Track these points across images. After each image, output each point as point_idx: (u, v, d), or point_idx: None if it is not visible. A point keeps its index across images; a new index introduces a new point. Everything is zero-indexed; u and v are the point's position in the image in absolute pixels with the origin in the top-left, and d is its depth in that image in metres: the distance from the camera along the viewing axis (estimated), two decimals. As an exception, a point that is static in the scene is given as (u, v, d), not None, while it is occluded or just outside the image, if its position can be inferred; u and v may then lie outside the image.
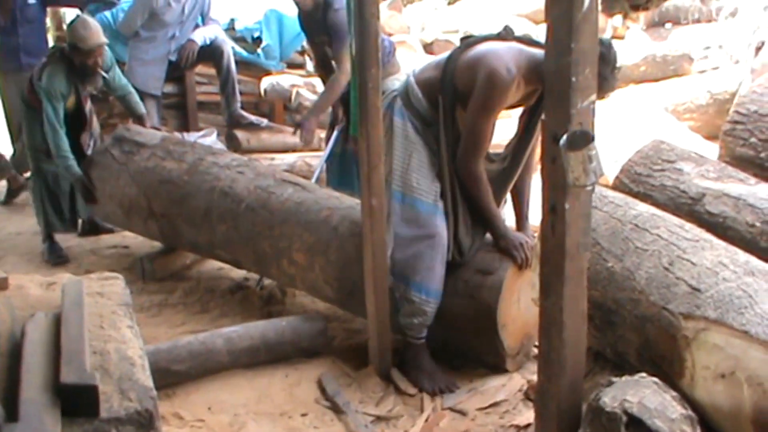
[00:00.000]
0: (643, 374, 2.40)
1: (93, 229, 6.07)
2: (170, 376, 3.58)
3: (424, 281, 3.53)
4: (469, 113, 3.44)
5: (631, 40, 9.30)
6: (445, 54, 3.67)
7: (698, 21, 7.52)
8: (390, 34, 6.77)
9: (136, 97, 5.80)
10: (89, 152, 5.55)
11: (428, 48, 10.08)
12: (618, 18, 8.91)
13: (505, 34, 3.58)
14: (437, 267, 3.54)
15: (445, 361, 3.72)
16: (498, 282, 3.58)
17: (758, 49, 7.07)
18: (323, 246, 4.04)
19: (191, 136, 5.95)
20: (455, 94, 3.48)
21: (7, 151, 7.07)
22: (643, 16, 7.13)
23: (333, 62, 5.25)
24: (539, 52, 3.35)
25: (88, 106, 5.68)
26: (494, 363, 3.73)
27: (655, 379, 2.37)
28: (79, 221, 5.98)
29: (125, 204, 5.05)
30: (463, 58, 3.49)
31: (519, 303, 3.67)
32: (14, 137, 7.13)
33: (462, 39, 3.70)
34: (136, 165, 5.02)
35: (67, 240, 5.86)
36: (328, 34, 5.17)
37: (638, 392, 2.26)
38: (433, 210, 3.53)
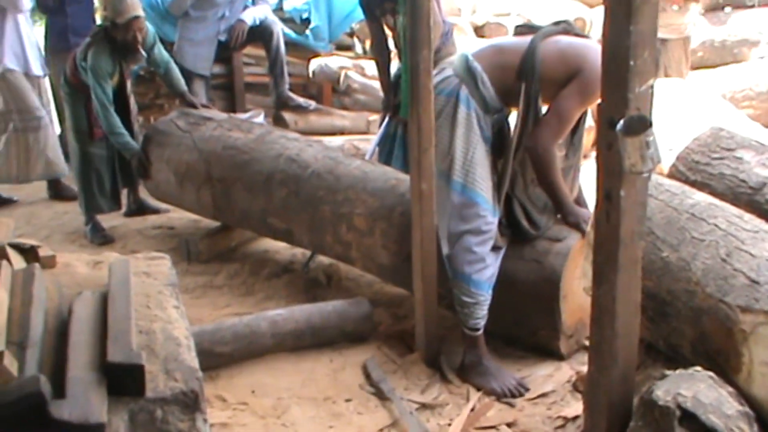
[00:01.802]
0: (698, 368, 2.36)
1: (139, 209, 6.14)
2: (214, 357, 3.61)
3: (473, 274, 3.51)
4: (565, 98, 3.44)
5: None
6: (510, 40, 3.76)
7: (766, 5, 7.38)
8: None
9: (177, 73, 5.87)
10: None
11: (479, 31, 10.00)
12: (677, 1, 8.76)
13: (569, 29, 3.64)
14: (487, 260, 3.53)
15: (492, 348, 3.70)
16: (566, 249, 3.61)
17: None
18: (387, 211, 4.08)
19: (239, 117, 5.98)
20: (539, 81, 3.48)
21: (56, 130, 7.14)
22: (702, -2, 7.00)
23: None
24: None
25: (129, 86, 5.75)
26: (547, 340, 3.70)
27: (710, 373, 2.33)
28: (125, 202, 6.06)
29: (181, 170, 5.13)
30: (551, 47, 3.50)
31: (581, 278, 3.64)
32: (63, 118, 7.21)
33: (521, 27, 3.74)
34: (201, 133, 5.15)
35: (112, 220, 5.93)
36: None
37: (693, 386, 2.23)
38: (489, 207, 3.52)
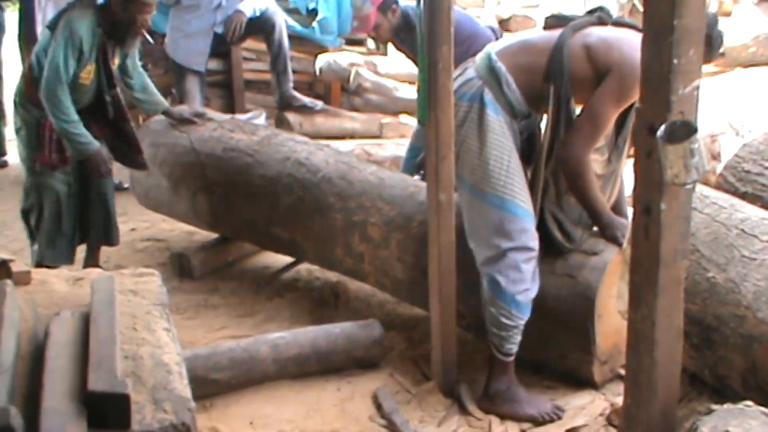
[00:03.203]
0: (749, 402, 2.35)
1: None
2: (208, 385, 3.60)
3: (517, 294, 3.46)
4: (597, 100, 3.39)
5: (740, 17, 9.12)
6: (538, 35, 3.66)
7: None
8: (463, 8, 6.70)
9: (156, 93, 5.20)
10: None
11: (504, 24, 10.01)
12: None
13: (605, 18, 3.57)
14: (528, 281, 3.49)
15: (517, 376, 3.68)
16: (602, 263, 3.57)
17: None
18: (405, 220, 4.09)
19: (238, 118, 5.98)
20: (569, 82, 3.43)
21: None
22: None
23: None
24: None
25: (120, 95, 4.87)
26: (579, 364, 3.67)
27: (763, 408, 2.31)
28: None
29: (176, 173, 5.11)
30: (579, 43, 3.44)
31: (617, 300, 3.62)
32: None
33: (551, 19, 3.66)
34: (200, 134, 5.12)
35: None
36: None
37: (743, 423, 2.21)
38: (531, 219, 3.49)
